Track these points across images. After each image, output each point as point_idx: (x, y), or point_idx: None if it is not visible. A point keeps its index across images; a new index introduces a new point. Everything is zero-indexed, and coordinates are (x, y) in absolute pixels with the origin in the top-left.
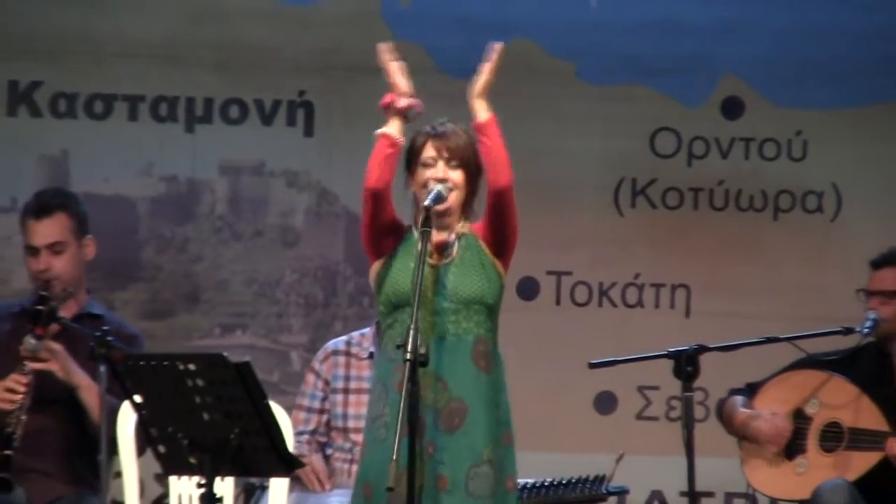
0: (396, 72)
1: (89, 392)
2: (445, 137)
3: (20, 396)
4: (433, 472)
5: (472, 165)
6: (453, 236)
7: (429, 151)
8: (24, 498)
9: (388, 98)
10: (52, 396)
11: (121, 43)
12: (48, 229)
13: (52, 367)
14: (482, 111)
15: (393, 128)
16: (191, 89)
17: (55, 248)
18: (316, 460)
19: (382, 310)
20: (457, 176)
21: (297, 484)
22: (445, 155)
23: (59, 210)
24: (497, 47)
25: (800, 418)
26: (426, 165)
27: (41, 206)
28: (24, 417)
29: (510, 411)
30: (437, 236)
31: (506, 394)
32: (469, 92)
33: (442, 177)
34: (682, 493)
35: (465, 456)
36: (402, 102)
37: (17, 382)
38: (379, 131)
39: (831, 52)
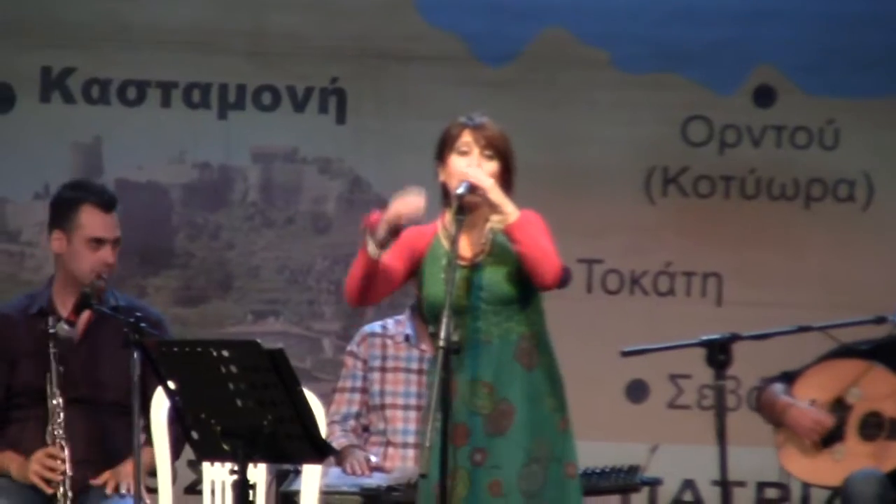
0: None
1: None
2: (482, 127)
3: (60, 476)
4: (485, 479)
5: (507, 159)
6: (485, 232)
7: (465, 138)
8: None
9: (374, 217)
10: (84, 391)
11: (154, 29)
12: (115, 222)
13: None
14: (509, 213)
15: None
16: (223, 76)
17: (116, 243)
18: (361, 454)
19: (428, 320)
20: (491, 167)
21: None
22: (482, 142)
23: (117, 204)
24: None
25: (840, 407)
26: (461, 153)
27: (110, 199)
28: (70, 493)
29: (565, 397)
30: (468, 234)
31: (559, 382)
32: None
33: (476, 165)
34: (715, 483)
35: (516, 457)
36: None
37: (55, 458)
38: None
39: (864, 39)
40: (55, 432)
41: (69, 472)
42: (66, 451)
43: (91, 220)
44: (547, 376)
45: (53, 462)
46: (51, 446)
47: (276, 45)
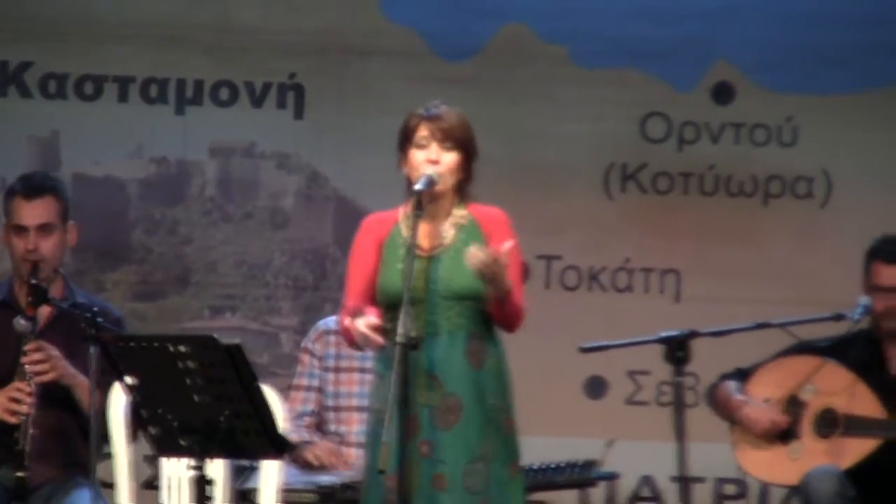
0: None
1: (84, 389)
2: (439, 119)
3: (26, 408)
4: (430, 472)
5: (466, 148)
6: (447, 224)
7: (422, 132)
8: (11, 479)
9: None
10: (45, 384)
11: (111, 24)
12: (39, 210)
13: (53, 375)
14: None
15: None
16: (181, 71)
17: (45, 230)
18: (326, 443)
19: (383, 312)
20: (450, 158)
21: (307, 468)
22: (438, 136)
23: (49, 193)
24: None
25: (794, 404)
26: (419, 147)
27: (32, 187)
28: (31, 431)
29: (511, 397)
30: (428, 225)
31: (507, 383)
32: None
33: (434, 158)
34: (673, 479)
35: (461, 452)
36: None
37: (21, 392)
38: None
39: (823, 37)
40: (25, 374)
41: (33, 410)
42: (33, 387)
43: (15, 210)
44: (494, 376)
45: (20, 394)
46: (19, 381)
47: (234, 40)
